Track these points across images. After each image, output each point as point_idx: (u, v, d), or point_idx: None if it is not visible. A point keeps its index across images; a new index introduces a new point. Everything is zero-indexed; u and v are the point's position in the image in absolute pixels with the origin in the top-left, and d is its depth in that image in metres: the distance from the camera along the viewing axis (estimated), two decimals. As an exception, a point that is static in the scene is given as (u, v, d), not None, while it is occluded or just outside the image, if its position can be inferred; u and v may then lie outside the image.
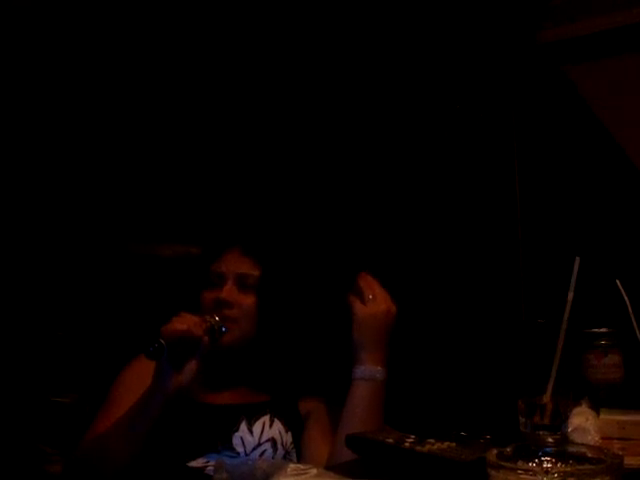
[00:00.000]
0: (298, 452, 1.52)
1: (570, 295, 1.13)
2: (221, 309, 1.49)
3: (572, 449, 0.89)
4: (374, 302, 1.46)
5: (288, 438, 1.51)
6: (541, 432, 1.08)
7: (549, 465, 0.84)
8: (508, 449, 0.87)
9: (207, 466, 1.40)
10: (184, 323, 1.37)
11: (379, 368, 1.45)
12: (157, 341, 1.31)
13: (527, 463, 0.84)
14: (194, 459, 1.42)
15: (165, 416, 1.37)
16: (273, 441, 1.49)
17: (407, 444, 1.16)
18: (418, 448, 1.14)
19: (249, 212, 2.11)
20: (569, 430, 1.13)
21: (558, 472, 0.81)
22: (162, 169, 2.24)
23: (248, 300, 1.54)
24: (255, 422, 1.50)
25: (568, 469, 0.82)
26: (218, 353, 1.48)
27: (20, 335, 2.04)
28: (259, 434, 1.49)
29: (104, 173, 2.22)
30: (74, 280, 2.15)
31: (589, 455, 0.86)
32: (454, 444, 1.15)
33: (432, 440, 1.17)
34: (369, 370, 1.45)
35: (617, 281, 1.29)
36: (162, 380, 1.36)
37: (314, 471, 1.04)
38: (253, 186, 2.19)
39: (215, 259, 1.59)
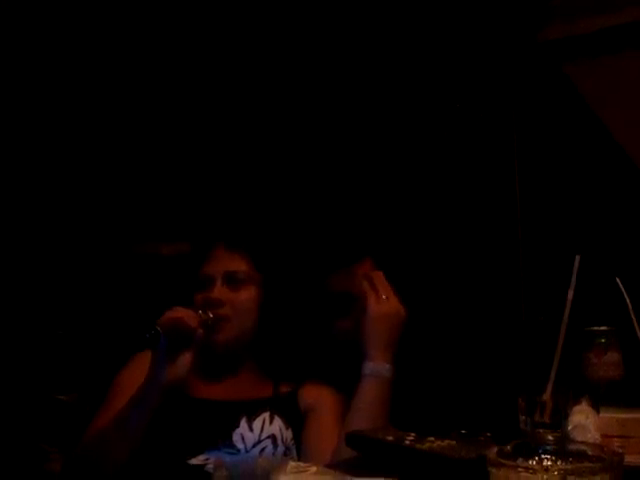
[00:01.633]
0: (298, 448, 1.52)
1: (570, 293, 1.12)
2: (213, 308, 1.50)
3: (572, 447, 0.89)
4: (387, 302, 1.47)
5: (288, 435, 1.51)
6: (541, 430, 1.07)
7: (549, 463, 0.84)
8: (508, 447, 0.87)
9: (207, 463, 1.40)
10: (178, 313, 1.39)
11: (387, 366, 1.46)
12: (153, 328, 1.34)
13: (527, 461, 0.84)
14: (194, 456, 1.42)
15: (162, 409, 1.39)
16: (273, 438, 1.49)
17: (407, 442, 1.16)
18: (418, 446, 1.14)
19: (230, 209, 2.12)
20: (569, 428, 1.13)
21: (558, 470, 0.81)
22: (151, 170, 2.25)
23: (240, 297, 1.55)
24: (255, 419, 1.50)
25: (568, 467, 0.82)
26: (216, 351, 1.49)
27: (21, 334, 2.04)
28: (259, 431, 1.49)
29: (102, 174, 2.22)
30: (74, 279, 2.15)
31: (589, 453, 0.86)
32: (454, 442, 1.16)
33: (432, 438, 1.17)
34: (378, 367, 1.46)
35: (617, 279, 1.29)
36: (158, 371, 1.37)
37: (314, 469, 1.05)
38: (237, 182, 2.20)
39: (202, 261, 1.59)
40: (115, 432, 1.38)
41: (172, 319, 1.37)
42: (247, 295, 1.56)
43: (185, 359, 1.38)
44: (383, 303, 1.48)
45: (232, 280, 1.55)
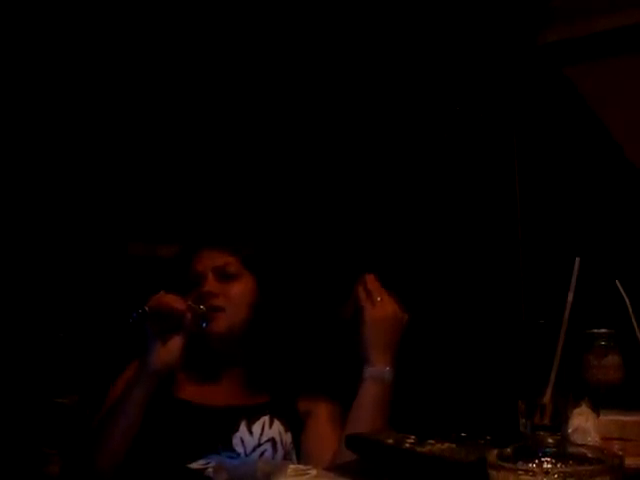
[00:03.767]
0: (298, 452, 1.52)
1: (570, 296, 1.13)
2: (206, 300, 1.51)
3: (572, 450, 0.89)
4: (383, 305, 1.47)
5: (288, 438, 1.51)
6: (541, 433, 1.07)
7: (549, 466, 0.84)
8: (508, 450, 0.87)
9: (207, 467, 1.40)
10: (165, 296, 1.43)
11: (388, 369, 1.46)
12: (141, 308, 1.38)
13: (527, 464, 0.84)
14: (194, 460, 1.42)
15: (162, 415, 1.40)
16: (273, 441, 1.49)
17: (407, 445, 1.16)
18: (418, 449, 1.14)
19: (217, 211, 2.13)
20: (569, 431, 1.13)
21: (558, 473, 0.80)
22: (143, 172, 2.26)
23: (233, 288, 1.55)
24: (255, 422, 1.50)
25: (568, 470, 0.82)
26: (210, 343, 1.50)
27: (21, 336, 2.04)
28: (259, 434, 1.49)
29: (104, 175, 2.22)
30: (75, 281, 2.15)
31: (589, 456, 0.85)
32: (454, 445, 1.15)
33: (432, 441, 1.17)
34: (378, 370, 1.46)
35: (617, 282, 1.29)
36: (149, 354, 1.41)
37: (314, 472, 1.05)
38: (225, 185, 2.21)
39: (190, 262, 1.60)
40: (113, 416, 1.41)
41: (159, 301, 1.41)
42: (240, 287, 1.56)
43: (175, 343, 1.41)
44: (378, 306, 1.47)
45: (223, 274, 1.56)
